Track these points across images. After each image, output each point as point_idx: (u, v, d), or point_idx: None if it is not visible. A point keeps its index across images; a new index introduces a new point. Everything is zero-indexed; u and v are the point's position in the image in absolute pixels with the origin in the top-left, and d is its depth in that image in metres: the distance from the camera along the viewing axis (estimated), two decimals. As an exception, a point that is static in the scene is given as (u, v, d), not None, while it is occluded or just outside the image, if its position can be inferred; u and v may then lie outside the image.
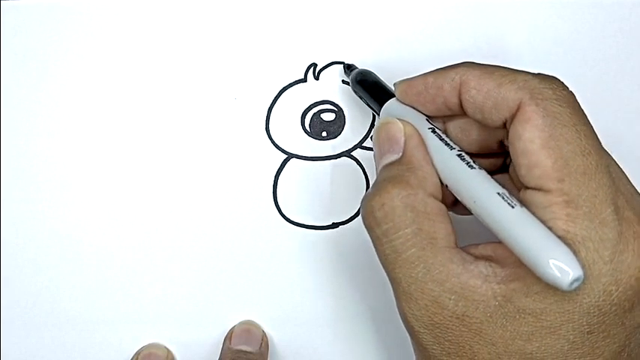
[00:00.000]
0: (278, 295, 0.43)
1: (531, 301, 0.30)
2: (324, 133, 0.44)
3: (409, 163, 0.34)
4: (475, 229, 0.33)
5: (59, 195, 0.43)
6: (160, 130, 0.43)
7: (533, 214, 0.30)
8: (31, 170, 0.43)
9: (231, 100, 0.43)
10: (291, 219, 0.43)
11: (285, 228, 0.43)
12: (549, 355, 0.31)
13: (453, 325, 0.32)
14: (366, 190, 0.43)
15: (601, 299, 0.30)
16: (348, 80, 0.42)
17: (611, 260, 0.30)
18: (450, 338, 0.32)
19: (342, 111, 0.44)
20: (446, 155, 0.33)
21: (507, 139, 0.32)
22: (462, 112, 0.34)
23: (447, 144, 0.34)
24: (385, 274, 0.34)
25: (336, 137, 0.44)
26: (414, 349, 0.35)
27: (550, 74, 0.33)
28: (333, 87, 0.44)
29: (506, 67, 0.33)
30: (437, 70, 0.35)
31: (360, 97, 0.41)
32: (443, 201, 0.34)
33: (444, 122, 0.36)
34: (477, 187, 0.32)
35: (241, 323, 0.43)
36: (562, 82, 0.32)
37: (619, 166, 0.33)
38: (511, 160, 0.32)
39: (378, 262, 0.34)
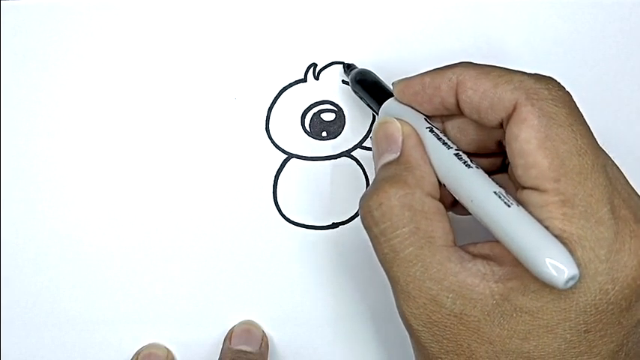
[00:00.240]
0: (278, 295, 0.43)
1: (528, 300, 0.30)
2: (324, 133, 0.44)
3: (407, 163, 0.34)
4: (475, 228, 0.33)
5: (59, 195, 0.43)
6: (160, 130, 0.43)
7: (530, 213, 0.30)
8: (31, 170, 0.43)
9: (231, 100, 0.44)
10: (291, 219, 0.43)
11: (285, 228, 0.43)
12: (547, 353, 0.31)
13: (451, 323, 0.32)
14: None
15: (597, 298, 0.30)
16: (348, 80, 0.42)
17: (608, 259, 0.30)
18: (448, 336, 0.32)
19: (342, 111, 0.44)
20: (443, 154, 0.33)
21: (504, 139, 0.32)
22: (459, 112, 0.34)
23: (444, 143, 0.34)
24: (384, 273, 0.34)
25: (336, 137, 0.44)
26: (414, 348, 0.35)
27: (546, 74, 0.33)
28: (333, 87, 0.44)
29: (502, 68, 0.33)
30: (434, 70, 0.35)
31: (360, 97, 0.41)
32: (442, 201, 0.34)
33: (443, 122, 0.36)
34: (474, 186, 0.32)
35: (241, 323, 0.43)
36: (558, 82, 0.32)
37: (616, 166, 0.33)
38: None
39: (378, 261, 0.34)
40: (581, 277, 0.29)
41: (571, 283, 0.28)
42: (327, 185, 0.44)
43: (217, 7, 0.44)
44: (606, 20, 0.44)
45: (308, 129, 0.44)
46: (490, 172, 0.33)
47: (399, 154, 0.35)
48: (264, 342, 0.43)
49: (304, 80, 0.44)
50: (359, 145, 0.44)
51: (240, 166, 0.43)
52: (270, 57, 0.44)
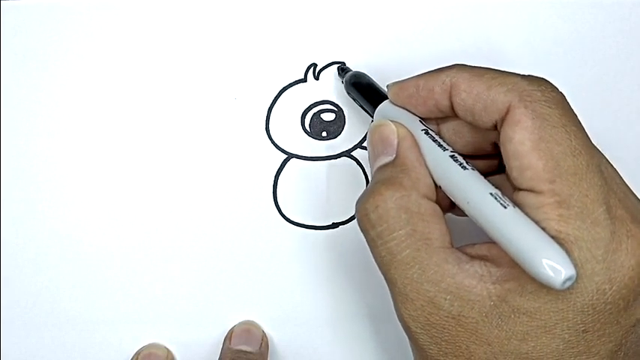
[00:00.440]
0: (278, 295, 0.43)
1: (526, 301, 0.30)
2: (324, 133, 0.44)
3: (402, 165, 0.34)
4: (472, 229, 0.33)
5: (59, 195, 0.43)
6: (160, 130, 0.43)
7: (527, 215, 0.30)
8: (31, 170, 0.43)
9: (231, 100, 0.44)
10: (291, 219, 0.43)
11: (285, 228, 0.43)
12: (545, 354, 0.31)
13: (449, 325, 0.32)
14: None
15: (595, 298, 0.30)
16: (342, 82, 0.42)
17: (604, 259, 0.30)
18: (446, 338, 0.32)
19: (342, 111, 0.44)
20: (439, 156, 0.33)
21: (499, 141, 0.32)
22: (453, 114, 0.34)
23: (440, 145, 0.34)
24: (382, 277, 0.34)
25: (336, 137, 0.44)
26: (412, 350, 0.35)
27: (545, 74, 0.33)
28: (333, 87, 0.44)
29: (495, 70, 0.33)
30: (428, 72, 0.35)
31: (354, 99, 0.41)
32: (440, 203, 0.34)
33: (438, 124, 0.36)
34: (470, 188, 0.32)
35: (241, 323, 0.43)
36: (551, 84, 0.32)
37: (612, 166, 0.33)
38: (505, 161, 0.32)
39: (377, 262, 0.34)
40: (578, 278, 0.29)
41: (568, 284, 0.28)
42: (327, 185, 0.44)
43: (217, 7, 0.44)
44: (606, 20, 0.44)
45: (308, 129, 0.44)
46: (486, 174, 0.33)
47: (394, 156, 0.35)
48: (264, 342, 0.43)
49: (304, 80, 0.44)
50: (359, 145, 0.44)
51: (240, 166, 0.43)
52: (270, 57, 0.44)
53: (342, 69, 0.43)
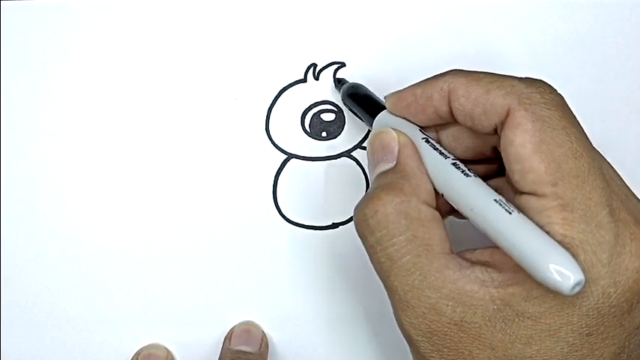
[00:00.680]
0: (278, 295, 0.43)
1: (531, 305, 0.30)
2: (323, 134, 0.44)
3: (403, 172, 0.34)
4: (470, 235, 0.33)
5: (59, 195, 0.43)
6: (160, 131, 0.43)
7: (530, 219, 0.30)
8: (31, 170, 0.43)
9: (231, 101, 0.43)
10: (291, 219, 0.43)
11: (284, 228, 0.43)
12: (549, 357, 0.31)
13: (451, 331, 0.32)
14: (366, 191, 0.43)
15: (600, 301, 0.30)
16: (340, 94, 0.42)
17: (609, 263, 0.30)
18: (448, 345, 0.32)
19: (342, 111, 0.44)
20: (441, 164, 0.33)
21: (499, 145, 0.32)
22: (453, 120, 0.34)
23: (441, 153, 0.34)
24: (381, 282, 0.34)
25: (335, 137, 0.44)
26: (413, 357, 0.34)
27: (545, 75, 0.33)
28: (332, 87, 0.44)
29: (493, 73, 0.33)
30: (425, 80, 0.35)
31: (351, 111, 0.41)
32: (439, 209, 0.34)
33: (437, 131, 0.36)
34: (474, 195, 0.31)
35: (241, 323, 0.43)
36: (550, 86, 0.32)
37: (612, 168, 0.33)
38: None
39: (377, 263, 0.34)
40: (584, 282, 0.29)
41: (577, 289, 0.28)
42: (326, 185, 0.44)
43: (217, 7, 0.44)
44: (606, 21, 0.44)
45: (308, 129, 0.44)
46: (487, 177, 0.33)
47: (395, 163, 0.35)
48: (263, 342, 0.43)
49: (304, 80, 0.44)
50: (359, 146, 0.44)
51: (240, 166, 0.43)
52: (270, 57, 0.44)
53: (339, 80, 0.43)
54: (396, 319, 0.33)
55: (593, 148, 0.32)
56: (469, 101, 0.33)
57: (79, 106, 0.43)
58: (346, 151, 0.44)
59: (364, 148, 0.44)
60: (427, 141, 0.35)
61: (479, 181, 0.32)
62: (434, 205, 0.34)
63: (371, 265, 0.34)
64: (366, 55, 0.44)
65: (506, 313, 0.31)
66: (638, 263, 0.30)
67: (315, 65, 0.44)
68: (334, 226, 0.44)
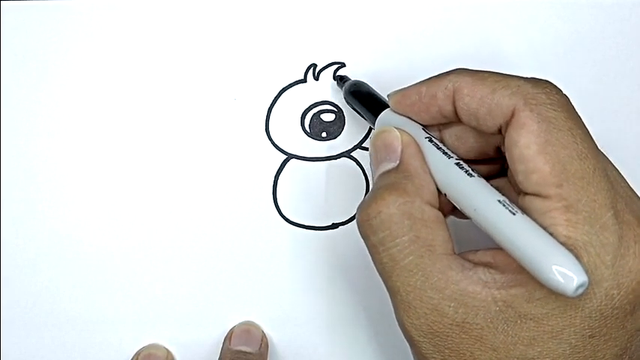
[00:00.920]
0: (278, 296, 0.43)
1: (533, 307, 0.30)
2: (323, 134, 0.44)
3: (406, 171, 0.34)
4: (473, 236, 0.33)
5: (59, 195, 0.43)
6: (160, 131, 0.43)
7: (534, 220, 0.30)
8: (31, 170, 0.43)
9: (231, 101, 0.43)
10: (291, 219, 0.43)
11: (284, 228, 0.43)
12: (551, 359, 0.31)
13: (453, 332, 0.31)
14: (366, 191, 0.43)
15: (603, 303, 0.30)
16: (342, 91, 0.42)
17: (613, 264, 0.30)
18: (450, 346, 0.32)
19: (342, 111, 0.44)
20: (444, 164, 0.33)
21: (503, 145, 0.32)
22: (457, 120, 0.34)
23: (444, 153, 0.34)
24: (383, 283, 0.34)
25: (335, 138, 0.44)
26: (414, 359, 0.34)
27: (546, 75, 0.33)
28: (332, 87, 0.44)
29: (499, 73, 0.33)
30: (429, 78, 0.35)
31: (354, 109, 0.41)
32: (441, 209, 0.34)
33: (440, 130, 0.36)
34: (477, 196, 0.31)
35: (241, 324, 0.43)
36: (555, 86, 0.32)
37: (616, 169, 0.33)
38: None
39: (378, 263, 0.34)
40: (588, 284, 0.29)
41: (581, 291, 0.28)
42: (326, 186, 0.44)
43: (217, 7, 0.44)
44: (606, 21, 0.44)
45: (308, 129, 0.44)
46: (489, 177, 0.33)
47: (398, 162, 0.34)
48: (263, 342, 0.43)
49: (304, 81, 0.44)
50: (358, 146, 0.44)
51: (240, 166, 0.43)
52: (270, 57, 0.44)
53: (341, 78, 0.43)
54: (398, 320, 0.33)
55: (598, 149, 0.32)
56: (474, 101, 0.33)
57: (79, 106, 0.43)
58: (346, 151, 0.44)
59: (364, 149, 0.44)
60: (430, 140, 0.34)
61: (482, 181, 0.32)
62: (437, 205, 0.33)
63: (371, 265, 0.34)
64: (366, 55, 0.44)
65: (509, 314, 0.31)
66: None
67: (315, 65, 0.44)
68: (334, 226, 0.44)
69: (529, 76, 0.33)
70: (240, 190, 0.43)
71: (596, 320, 0.30)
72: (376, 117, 0.38)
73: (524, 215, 0.30)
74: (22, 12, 0.43)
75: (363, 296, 0.43)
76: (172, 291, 0.43)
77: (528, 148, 0.30)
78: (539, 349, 0.31)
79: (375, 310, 0.43)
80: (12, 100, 0.43)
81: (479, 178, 0.32)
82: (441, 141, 0.35)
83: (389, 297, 0.33)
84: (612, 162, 0.33)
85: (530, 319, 0.30)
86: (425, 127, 0.36)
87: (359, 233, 0.34)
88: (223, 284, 0.43)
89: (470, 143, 0.36)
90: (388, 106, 0.37)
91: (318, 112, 0.44)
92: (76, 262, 0.43)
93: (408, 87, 0.36)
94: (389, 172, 0.34)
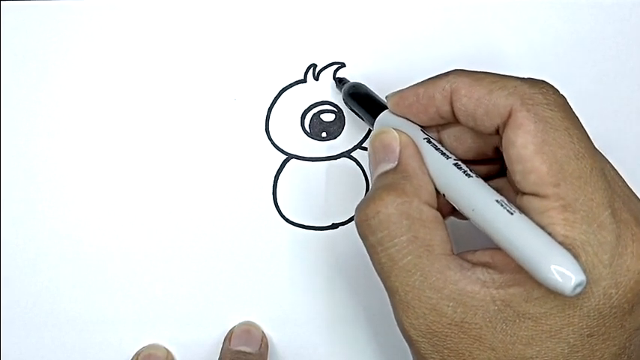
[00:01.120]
0: (278, 296, 0.43)
1: (532, 306, 0.30)
2: (323, 134, 0.44)
3: (404, 172, 0.34)
4: (472, 235, 0.33)
5: (59, 195, 0.43)
6: (160, 131, 0.43)
7: (531, 219, 0.30)
8: (31, 170, 0.43)
9: (231, 101, 0.43)
10: (291, 219, 0.43)
11: (284, 228, 0.43)
12: (549, 358, 0.31)
13: (451, 332, 0.32)
14: (366, 192, 0.44)
15: (601, 302, 0.30)
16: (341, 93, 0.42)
17: (611, 264, 0.30)
18: (449, 346, 0.32)
19: (342, 112, 0.44)
20: (442, 165, 0.33)
21: (501, 145, 0.32)
22: (455, 120, 0.34)
23: (443, 153, 0.34)
24: (381, 283, 0.34)
25: (335, 138, 0.44)
26: (413, 359, 0.34)
27: (546, 75, 0.33)
28: (332, 88, 0.44)
29: (496, 74, 0.33)
30: (427, 80, 0.35)
31: (353, 110, 0.41)
32: (440, 210, 0.34)
33: (438, 131, 0.36)
34: (476, 196, 0.31)
35: (241, 324, 0.43)
36: (552, 86, 0.32)
37: (614, 168, 0.33)
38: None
39: (378, 263, 0.34)
40: (586, 283, 0.29)
41: (578, 290, 0.28)
42: (326, 186, 0.44)
43: (217, 8, 0.44)
44: (606, 21, 0.44)
45: (308, 130, 0.44)
46: (488, 178, 0.33)
47: (396, 163, 0.35)
48: (263, 343, 0.43)
49: (304, 81, 0.44)
50: (358, 146, 0.44)
51: (240, 166, 0.43)
52: (270, 57, 0.44)
53: (340, 80, 0.43)
54: (397, 320, 0.33)
55: (596, 149, 0.32)
56: (471, 101, 0.33)
57: (79, 106, 0.43)
58: (346, 151, 0.44)
59: (364, 149, 0.44)
60: (429, 141, 0.35)
61: (480, 181, 0.32)
62: (435, 205, 0.34)
63: (371, 265, 0.34)
64: (366, 55, 0.44)
65: (507, 313, 0.31)
66: None
67: (314, 65, 0.44)
68: (334, 226, 0.44)
69: (526, 77, 0.33)
70: (240, 190, 0.43)
71: (594, 319, 0.30)
72: (375, 118, 0.38)
73: (522, 215, 0.30)
74: (22, 12, 0.43)
75: (363, 296, 0.43)
76: (172, 291, 0.43)
77: (525, 148, 0.31)
78: (537, 349, 0.31)
79: (375, 311, 0.43)
80: (12, 100, 0.43)
81: (477, 179, 0.32)
82: (440, 142, 0.35)
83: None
84: (612, 162, 0.33)
85: (529, 319, 0.30)
86: (423, 128, 0.36)
87: (357, 233, 0.34)
88: (223, 284, 0.43)
89: (468, 144, 0.36)
90: (387, 108, 0.38)
91: (318, 112, 0.44)
92: (76, 262, 0.43)
93: (406, 88, 0.36)
94: (387, 172, 0.35)
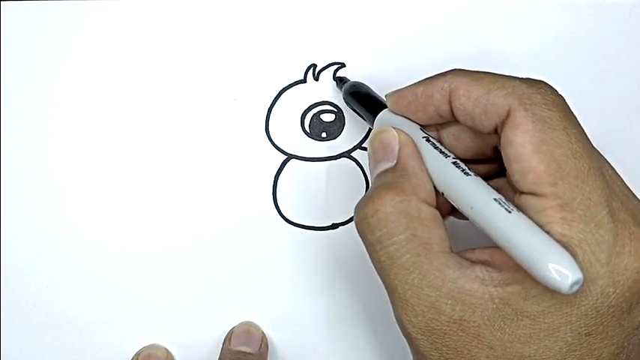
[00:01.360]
0: (278, 296, 0.43)
1: (529, 304, 0.30)
2: (323, 134, 0.44)
3: (403, 170, 0.34)
4: (471, 234, 0.33)
5: (59, 195, 0.43)
6: (160, 131, 0.43)
7: (530, 218, 0.30)
8: (31, 170, 0.43)
9: (231, 101, 0.44)
10: (291, 220, 0.43)
11: (284, 229, 0.43)
12: (547, 357, 0.31)
13: (450, 330, 0.32)
14: (366, 192, 0.43)
15: (599, 301, 0.30)
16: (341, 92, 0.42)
17: (608, 262, 0.30)
18: (447, 344, 0.32)
19: (342, 112, 0.44)
20: (441, 163, 0.33)
21: (500, 144, 0.32)
22: (454, 120, 0.34)
23: (441, 152, 0.34)
24: (381, 281, 0.34)
25: (335, 138, 0.44)
26: (412, 356, 0.34)
27: (545, 76, 0.33)
28: (332, 88, 0.44)
29: (494, 73, 0.33)
30: (426, 79, 0.35)
31: (353, 109, 0.41)
32: (439, 209, 0.34)
33: (438, 130, 0.36)
34: (474, 194, 0.32)
35: (241, 324, 0.43)
36: (550, 86, 0.32)
37: (613, 168, 0.33)
38: (506, 164, 0.32)
39: (377, 263, 0.34)
40: (583, 281, 0.29)
41: (575, 288, 0.28)
42: (326, 186, 0.44)
43: (217, 8, 0.44)
44: (606, 21, 0.44)
45: (307, 130, 0.44)
46: (488, 177, 0.33)
47: (395, 162, 0.35)
48: (263, 343, 0.43)
49: (304, 81, 0.44)
50: (358, 146, 0.44)
51: (240, 166, 0.43)
52: (269, 58, 0.44)
53: (340, 79, 0.43)
54: (396, 318, 0.33)
55: (594, 148, 0.32)
56: (470, 101, 0.33)
57: (79, 106, 0.43)
58: (346, 151, 0.44)
59: (364, 149, 0.44)
60: (428, 140, 0.35)
61: (479, 180, 0.32)
62: (434, 204, 0.34)
63: (371, 265, 0.34)
64: (366, 55, 0.44)
65: (506, 312, 0.31)
66: (638, 263, 0.30)
67: (314, 66, 0.44)
68: (334, 226, 0.44)
69: (525, 77, 0.33)
70: (240, 190, 0.43)
71: (592, 318, 0.30)
72: (375, 117, 0.38)
73: (520, 213, 0.30)
74: (22, 12, 0.43)
75: (363, 296, 0.43)
76: (172, 291, 0.43)
77: (523, 148, 0.31)
78: (535, 347, 0.31)
79: (375, 310, 0.43)
80: (12, 100, 0.43)
81: (475, 177, 0.32)
82: (439, 141, 0.36)
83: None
84: (611, 162, 0.33)
85: (527, 317, 0.30)
86: (422, 127, 0.36)
87: (357, 232, 0.34)
88: (223, 284, 0.43)
89: (467, 143, 0.36)
90: (387, 107, 0.38)
91: (318, 112, 0.44)
92: (76, 262, 0.43)
93: (405, 87, 0.36)
94: (386, 171, 0.35)
